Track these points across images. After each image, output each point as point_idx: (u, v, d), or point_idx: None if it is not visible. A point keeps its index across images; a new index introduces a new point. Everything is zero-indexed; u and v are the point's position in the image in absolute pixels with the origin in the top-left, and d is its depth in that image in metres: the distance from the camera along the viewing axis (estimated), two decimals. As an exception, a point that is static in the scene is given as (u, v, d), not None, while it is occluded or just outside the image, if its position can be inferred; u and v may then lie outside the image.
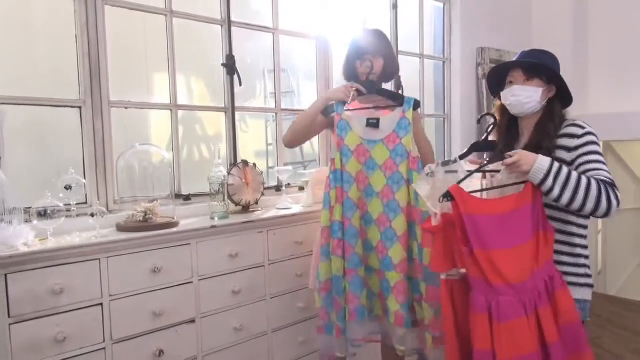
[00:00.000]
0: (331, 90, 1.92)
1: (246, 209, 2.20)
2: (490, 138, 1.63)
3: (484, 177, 1.60)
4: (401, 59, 3.20)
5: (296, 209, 2.27)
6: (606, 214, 1.45)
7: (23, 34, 1.97)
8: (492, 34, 3.67)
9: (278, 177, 2.47)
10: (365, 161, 1.81)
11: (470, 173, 1.51)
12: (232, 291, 1.96)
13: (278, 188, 2.51)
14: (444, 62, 3.56)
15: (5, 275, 1.46)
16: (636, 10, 3.63)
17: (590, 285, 1.58)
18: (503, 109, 1.71)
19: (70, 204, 1.70)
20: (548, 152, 1.52)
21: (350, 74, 1.95)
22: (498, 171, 1.52)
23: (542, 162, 1.42)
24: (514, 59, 1.66)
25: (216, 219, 2.02)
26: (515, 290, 1.39)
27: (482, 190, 1.55)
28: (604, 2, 3.79)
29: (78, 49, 1.90)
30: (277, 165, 2.57)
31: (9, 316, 1.47)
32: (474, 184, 1.56)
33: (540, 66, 1.59)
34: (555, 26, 3.87)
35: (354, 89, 1.83)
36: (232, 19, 2.35)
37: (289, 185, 2.53)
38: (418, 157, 1.79)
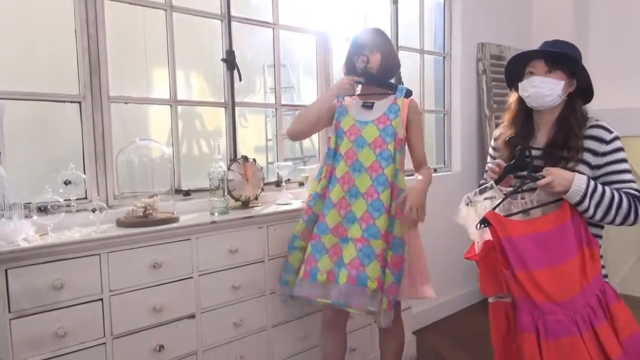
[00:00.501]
0: (337, 86, 2.00)
1: (246, 204, 2.20)
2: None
3: (523, 197, 1.54)
4: (401, 54, 3.19)
5: (296, 204, 2.27)
6: (631, 225, 1.47)
7: (23, 29, 1.96)
8: (493, 30, 3.66)
9: (278, 173, 2.47)
10: (355, 139, 1.92)
11: (506, 197, 1.50)
12: (232, 286, 1.97)
13: (278, 183, 2.51)
14: (444, 58, 3.55)
15: (6, 270, 1.46)
16: (638, 5, 3.62)
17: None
18: (519, 102, 1.65)
19: (70, 199, 1.70)
20: (576, 152, 1.49)
21: (350, 69, 2.02)
22: (534, 189, 1.49)
23: (579, 184, 1.41)
24: (540, 46, 1.58)
25: (216, 214, 2.02)
26: (564, 308, 1.37)
27: (521, 212, 1.51)
28: (606, -3, 3.78)
29: (78, 44, 1.90)
30: (277, 161, 2.57)
31: (9, 311, 1.47)
32: (515, 205, 1.53)
33: (563, 57, 1.52)
34: (556, 21, 3.86)
35: (355, 81, 1.97)
36: (232, 13, 2.34)
37: (289, 180, 2.53)
38: (404, 139, 1.92)
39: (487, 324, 1.60)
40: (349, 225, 1.88)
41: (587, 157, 1.50)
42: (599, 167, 1.50)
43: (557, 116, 1.57)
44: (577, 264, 1.40)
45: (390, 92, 1.95)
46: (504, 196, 1.52)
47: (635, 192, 1.46)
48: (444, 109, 3.58)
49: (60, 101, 1.90)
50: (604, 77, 3.71)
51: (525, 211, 1.51)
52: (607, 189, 1.44)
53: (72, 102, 1.91)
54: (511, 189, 1.55)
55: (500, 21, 3.73)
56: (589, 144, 1.50)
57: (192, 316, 1.87)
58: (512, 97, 1.70)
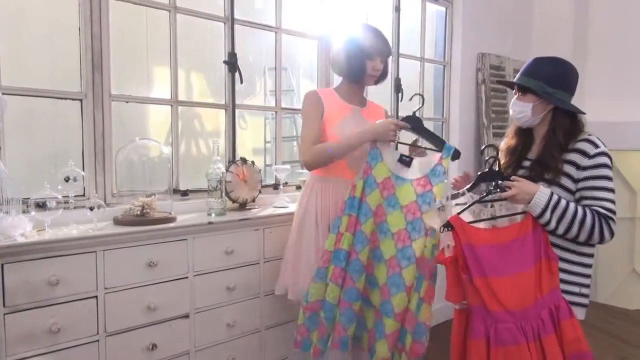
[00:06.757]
0: (378, 129, 1.73)
1: (243, 206, 2.21)
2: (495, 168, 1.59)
3: (492, 205, 1.58)
4: (402, 62, 3.22)
5: (293, 207, 2.28)
6: (599, 243, 1.51)
7: (26, 25, 1.97)
8: (493, 40, 3.69)
9: (276, 176, 2.48)
10: (387, 196, 1.69)
11: (472, 203, 1.52)
12: (227, 287, 1.98)
13: (275, 186, 2.52)
14: (444, 66, 3.57)
15: (2, 265, 1.47)
16: (636, 21, 3.66)
17: (584, 305, 1.58)
18: None
19: (68, 196, 1.70)
20: (555, 175, 1.54)
21: (358, 72, 1.88)
22: (504, 199, 1.53)
23: (541, 197, 1.47)
24: (523, 67, 1.67)
25: (213, 215, 2.03)
26: (516, 317, 1.41)
27: (487, 220, 1.54)
28: (605, 11, 3.82)
29: (81, 42, 1.91)
30: (275, 164, 2.58)
31: (3, 306, 1.48)
32: (484, 212, 1.56)
33: (524, 87, 1.61)
34: (555, 35, 3.89)
35: (401, 127, 1.75)
36: (236, 16, 2.36)
37: (287, 183, 2.54)
38: None
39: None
40: (372, 289, 1.71)
41: (569, 169, 1.54)
42: (578, 180, 1.53)
43: (544, 134, 1.64)
44: (533, 276, 1.45)
45: (435, 149, 1.72)
46: (479, 204, 1.56)
47: (604, 211, 1.49)
48: (443, 117, 3.60)
49: (62, 98, 1.91)
50: (600, 90, 3.76)
51: (492, 219, 1.54)
52: (572, 204, 1.49)
53: (73, 99, 1.92)
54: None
55: (500, 32, 3.76)
56: (572, 156, 1.54)
57: (186, 316, 1.88)
58: None
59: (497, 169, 1.58)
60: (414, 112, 1.77)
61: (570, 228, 1.48)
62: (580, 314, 1.56)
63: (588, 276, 1.58)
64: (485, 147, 1.75)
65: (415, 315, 1.63)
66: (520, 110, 1.63)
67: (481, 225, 1.52)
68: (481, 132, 3.61)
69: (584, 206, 1.51)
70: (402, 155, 1.73)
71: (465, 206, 1.52)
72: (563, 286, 1.54)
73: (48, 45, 2.04)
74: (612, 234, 1.49)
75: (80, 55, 1.91)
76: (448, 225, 1.45)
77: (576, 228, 1.48)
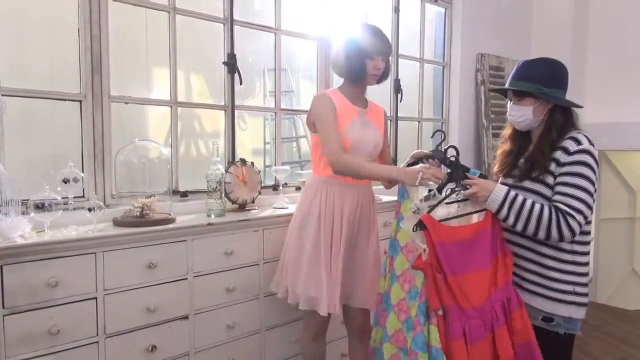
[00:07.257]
0: (405, 177, 1.67)
1: (243, 207, 2.21)
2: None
3: (459, 206, 1.62)
4: (401, 63, 3.22)
5: (292, 208, 2.28)
6: (560, 241, 1.51)
7: (25, 26, 1.97)
8: (492, 41, 3.70)
9: (275, 177, 2.48)
10: None
11: (437, 204, 1.53)
12: (226, 289, 1.98)
13: (275, 187, 2.52)
14: (443, 67, 3.58)
15: (1, 266, 1.47)
16: (635, 20, 3.67)
17: (580, 304, 1.56)
18: None
19: (67, 197, 1.70)
20: (540, 173, 1.56)
21: (359, 72, 1.88)
22: (467, 199, 1.58)
23: (498, 193, 1.52)
24: (512, 72, 1.68)
25: (212, 216, 2.03)
26: (479, 313, 1.45)
27: (456, 217, 1.56)
28: (604, 12, 3.83)
29: (80, 43, 1.91)
30: (275, 165, 2.58)
31: (2, 307, 1.47)
32: (451, 211, 1.58)
33: (520, 91, 1.61)
34: (555, 35, 3.90)
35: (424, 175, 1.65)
36: (235, 17, 2.36)
37: (286, 184, 2.54)
38: None
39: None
40: (409, 333, 1.53)
41: (552, 166, 1.55)
42: (557, 176, 1.54)
43: (539, 133, 1.65)
44: (490, 271, 1.49)
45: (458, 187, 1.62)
46: (445, 203, 1.57)
47: (565, 207, 1.48)
48: (442, 117, 3.60)
49: (61, 99, 1.90)
50: (600, 90, 3.77)
51: (454, 218, 1.56)
52: (529, 200, 1.51)
53: (73, 100, 1.92)
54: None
55: (499, 33, 3.76)
56: (557, 154, 1.55)
57: (186, 317, 1.87)
58: None
59: (458, 168, 1.60)
60: (437, 147, 1.80)
61: (528, 224, 1.49)
62: (579, 313, 1.55)
63: (583, 274, 1.57)
64: (447, 148, 1.69)
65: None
66: (522, 114, 1.63)
67: (452, 222, 1.55)
68: (481, 132, 3.62)
69: (545, 203, 1.51)
70: (429, 190, 1.73)
71: (434, 205, 1.53)
72: (556, 285, 1.55)
73: (48, 46, 2.04)
74: (571, 231, 1.47)
75: (79, 56, 1.91)
76: (420, 225, 1.44)
77: (533, 224, 1.49)
